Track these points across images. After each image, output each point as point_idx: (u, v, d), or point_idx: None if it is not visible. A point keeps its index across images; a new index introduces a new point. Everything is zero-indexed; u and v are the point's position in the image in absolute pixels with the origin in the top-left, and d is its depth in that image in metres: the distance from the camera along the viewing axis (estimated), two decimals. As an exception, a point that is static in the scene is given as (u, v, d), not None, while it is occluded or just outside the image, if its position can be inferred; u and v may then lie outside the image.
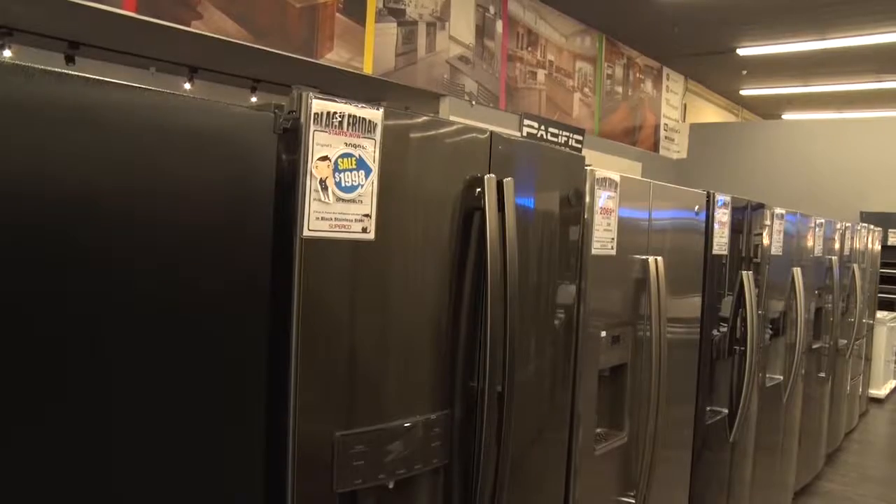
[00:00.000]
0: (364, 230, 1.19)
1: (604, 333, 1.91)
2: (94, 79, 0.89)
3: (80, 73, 0.88)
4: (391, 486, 1.31)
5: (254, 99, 5.27)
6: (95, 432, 0.89)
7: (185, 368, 0.98)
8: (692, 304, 2.49)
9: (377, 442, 1.23)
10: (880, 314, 6.68)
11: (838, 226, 4.56)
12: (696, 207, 2.44)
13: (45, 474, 0.85)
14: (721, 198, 2.60)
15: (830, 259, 4.34)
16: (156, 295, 0.95)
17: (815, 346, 4.19)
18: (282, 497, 1.13)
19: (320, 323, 1.14)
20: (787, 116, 11.29)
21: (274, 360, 1.11)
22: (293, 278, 1.11)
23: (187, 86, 4.97)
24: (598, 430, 2.02)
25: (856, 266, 5.00)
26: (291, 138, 1.13)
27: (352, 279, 1.18)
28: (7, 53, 4.21)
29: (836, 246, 4.53)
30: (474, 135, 1.41)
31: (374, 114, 1.20)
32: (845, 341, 4.87)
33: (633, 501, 2.08)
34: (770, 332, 3.39)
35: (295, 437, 1.12)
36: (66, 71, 0.86)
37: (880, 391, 6.89)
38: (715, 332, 2.71)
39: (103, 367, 0.89)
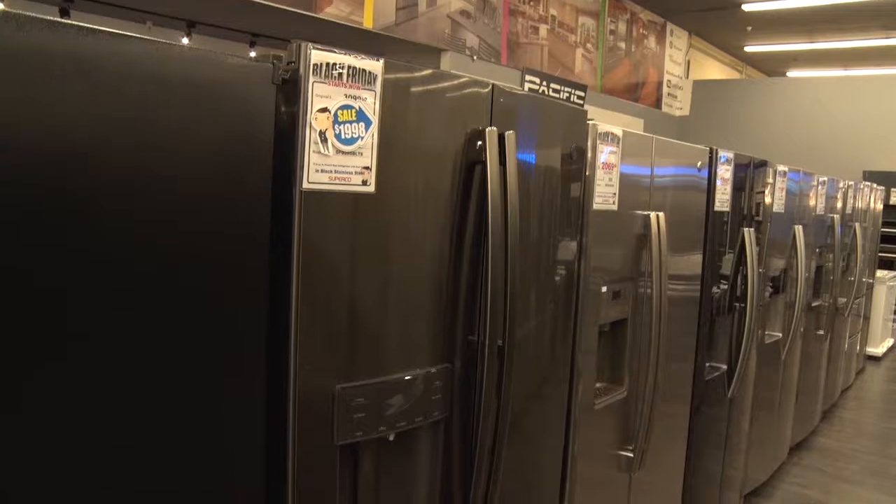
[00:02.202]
0: (364, 183, 1.18)
1: (604, 289, 1.91)
2: (87, 27, 0.87)
3: (73, 22, 0.86)
4: (391, 438, 1.32)
5: (252, 54, 5.20)
6: (96, 387, 0.89)
7: (186, 321, 0.98)
8: (693, 262, 2.48)
9: (377, 395, 1.23)
10: (880, 273, 6.69)
11: (841, 184, 4.54)
12: (699, 164, 2.42)
13: (45, 427, 0.86)
14: (724, 154, 2.58)
15: (832, 217, 4.33)
16: (155, 247, 0.94)
17: (814, 304, 4.21)
18: (283, 450, 1.14)
19: (320, 276, 1.13)
20: (792, 74, 11.16)
21: (274, 313, 1.11)
22: (293, 231, 1.10)
23: (185, 40, 4.90)
24: (598, 385, 2.04)
25: (857, 225, 4.99)
26: (290, 90, 1.11)
27: (352, 232, 1.17)
28: None
29: (839, 205, 4.52)
30: (476, 88, 1.39)
31: (374, 65, 1.18)
32: (844, 300, 4.88)
33: (632, 455, 2.11)
34: (770, 289, 3.40)
35: (295, 390, 1.13)
36: (58, 20, 0.85)
37: (877, 349, 6.93)
38: (715, 289, 2.71)
39: (102, 322, 0.89)
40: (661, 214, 2.08)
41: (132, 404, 0.93)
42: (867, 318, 6.43)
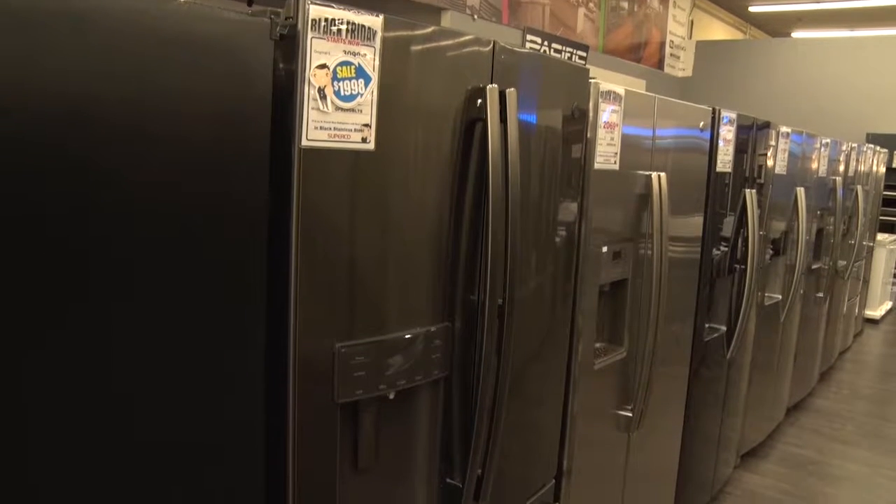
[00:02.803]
0: (364, 140, 1.17)
1: (605, 249, 1.91)
2: (81, -20, 0.85)
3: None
4: (392, 396, 1.33)
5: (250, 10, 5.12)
6: (95, 349, 0.89)
7: (185, 281, 0.98)
8: (694, 224, 2.48)
9: (377, 353, 1.24)
10: (881, 236, 6.69)
11: (844, 147, 4.51)
12: (701, 124, 2.40)
13: (46, 393, 0.86)
14: (727, 115, 2.56)
15: (834, 180, 4.31)
16: (154, 206, 0.93)
17: (814, 267, 4.21)
18: (283, 408, 1.15)
19: (320, 234, 1.13)
20: (797, 34, 11.02)
21: (274, 272, 1.10)
22: (292, 189, 1.09)
23: (181, -1, 4.82)
24: (598, 345, 2.05)
25: (859, 188, 4.97)
26: (288, 46, 1.09)
27: (352, 190, 1.17)
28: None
29: (841, 167, 4.49)
30: (477, 46, 1.37)
31: (374, 21, 1.16)
32: (844, 262, 4.89)
33: (631, 415, 2.13)
34: (770, 251, 3.40)
35: (295, 348, 1.13)
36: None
37: (876, 312, 6.96)
38: (715, 251, 2.71)
39: (101, 284, 0.89)
40: (663, 175, 2.07)
41: (133, 361, 0.94)
42: (866, 282, 6.45)
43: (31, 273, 0.82)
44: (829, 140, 4.10)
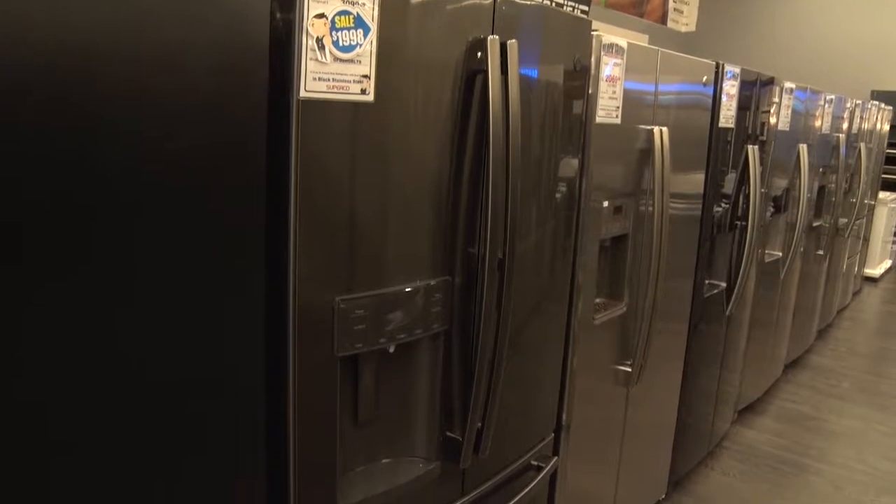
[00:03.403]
0: (363, 91, 1.15)
1: (606, 203, 1.90)
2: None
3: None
4: (392, 350, 1.34)
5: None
6: (95, 306, 0.89)
7: (186, 231, 0.97)
8: (695, 180, 2.46)
9: (377, 307, 1.24)
10: (882, 195, 6.67)
11: (848, 104, 4.47)
12: (705, 79, 2.37)
13: (53, 337, 0.86)
14: (730, 69, 2.53)
15: (837, 137, 4.28)
16: (152, 160, 0.92)
17: (815, 225, 4.20)
18: (283, 362, 1.15)
19: (319, 187, 1.12)
20: (803, -11, 10.82)
21: (273, 225, 1.10)
22: (291, 141, 1.08)
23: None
24: (598, 300, 2.05)
25: (862, 145, 4.94)
26: (285, -6, 1.07)
27: (351, 142, 1.15)
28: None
29: (845, 125, 4.46)
30: (477, -4, 1.35)
31: (372, -32, 1.14)
32: (845, 220, 4.88)
33: (630, 370, 2.14)
34: (772, 209, 3.39)
35: (295, 302, 1.13)
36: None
37: (875, 270, 6.98)
38: (716, 208, 2.70)
39: (99, 240, 0.88)
40: (665, 129, 2.05)
41: (135, 307, 0.93)
42: (867, 240, 6.45)
43: (35, 223, 0.82)
44: (833, 96, 4.06)
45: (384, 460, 1.44)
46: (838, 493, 3.05)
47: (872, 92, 7.61)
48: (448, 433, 1.47)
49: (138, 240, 0.92)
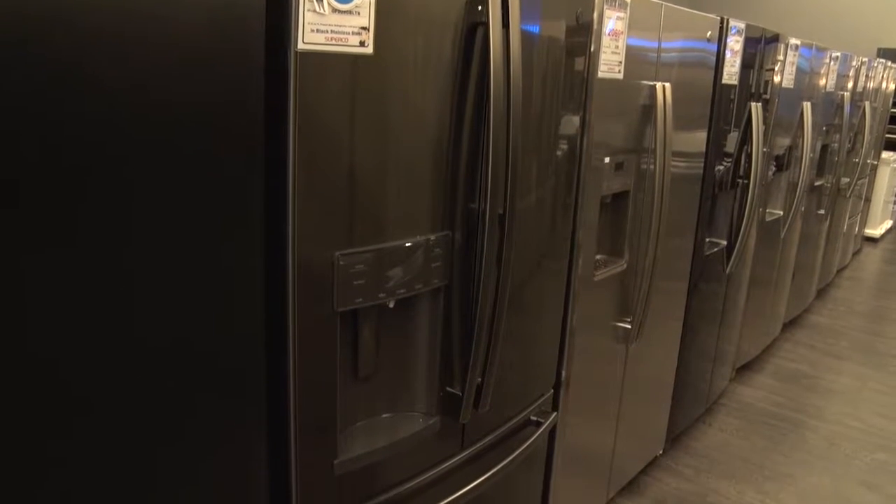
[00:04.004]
0: (362, 44, 1.13)
1: (607, 160, 1.89)
2: None
3: None
4: (392, 305, 1.34)
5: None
6: (94, 254, 0.89)
7: (182, 189, 0.96)
8: (697, 139, 2.44)
9: (377, 261, 1.24)
10: (885, 154, 6.63)
11: (854, 61, 4.41)
12: (709, 34, 2.34)
13: (51, 295, 0.86)
14: (735, 25, 2.49)
15: (842, 95, 4.24)
16: (149, 115, 0.91)
17: (817, 184, 4.19)
18: (283, 317, 1.15)
19: (317, 141, 1.11)
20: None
21: (271, 179, 1.09)
22: (288, 95, 1.07)
23: None
24: (598, 257, 2.05)
25: (867, 104, 4.90)
26: (282, -56, 1.05)
27: (350, 96, 1.14)
28: None
29: (850, 83, 4.41)
30: (478, -55, 1.32)
31: (371, -84, 1.11)
32: (847, 180, 4.86)
33: (630, 327, 2.15)
34: (773, 168, 3.37)
35: (294, 257, 1.12)
36: None
37: (876, 231, 6.97)
38: (718, 166, 2.68)
39: (99, 191, 0.87)
40: (668, 85, 2.03)
41: (136, 265, 0.93)
42: (868, 200, 6.43)
43: (26, 182, 0.81)
44: (839, 54, 4.01)
45: (384, 415, 1.45)
46: (833, 449, 3.09)
47: (879, 49, 7.52)
48: (448, 388, 1.48)
49: (137, 195, 0.91)
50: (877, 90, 5.36)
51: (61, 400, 0.88)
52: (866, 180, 5.90)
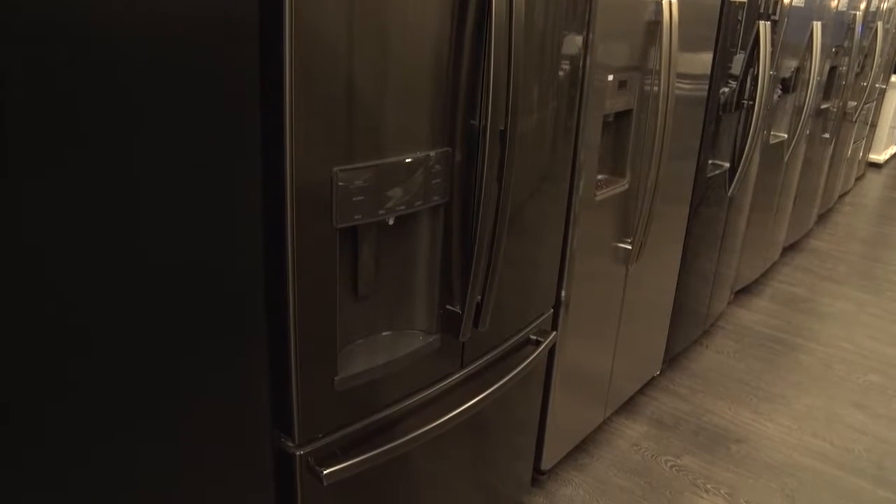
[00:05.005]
0: (358, -52, 1.08)
1: (610, 77, 1.84)
2: None
3: None
4: (391, 222, 1.33)
5: None
6: (99, 186, 0.87)
7: (178, 106, 0.94)
8: (702, 60, 2.38)
9: (376, 178, 1.22)
10: (895, 78, 6.50)
11: (867, -21, 4.28)
12: (720, -53, 2.26)
13: (56, 218, 0.84)
14: (747, -63, 2.40)
15: (854, 15, 4.13)
16: (147, 36, 0.87)
17: (823, 107, 4.12)
18: (281, 234, 1.14)
19: (315, 53, 1.07)
20: None
21: (268, 94, 1.06)
22: (283, 8, 1.02)
23: None
24: (600, 177, 2.03)
25: (879, 24, 4.77)
26: None
27: (348, 7, 1.09)
28: None
29: (863, 3, 4.28)
30: None
31: None
32: (855, 104, 4.78)
33: (630, 247, 2.15)
34: (779, 90, 3.31)
35: (292, 172, 1.10)
36: None
37: (880, 156, 6.91)
38: (724, 88, 2.63)
39: (95, 110, 0.85)
40: (674, 0, 1.97)
41: (133, 183, 0.91)
42: (874, 125, 6.35)
43: (28, 110, 0.78)
44: (852, -30, 3.88)
45: (384, 333, 1.46)
46: (827, 371, 3.13)
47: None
48: (448, 306, 1.49)
49: (134, 113, 0.89)
50: (891, 10, 5.22)
51: (70, 319, 0.88)
52: (873, 104, 5.81)
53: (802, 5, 3.21)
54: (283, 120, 1.08)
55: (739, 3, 2.52)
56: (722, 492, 2.32)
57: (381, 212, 1.25)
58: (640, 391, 2.84)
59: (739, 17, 2.58)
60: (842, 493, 2.35)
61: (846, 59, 4.23)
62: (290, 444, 1.28)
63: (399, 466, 1.53)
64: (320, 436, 1.31)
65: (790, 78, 3.37)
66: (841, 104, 4.32)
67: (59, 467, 0.93)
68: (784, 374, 3.09)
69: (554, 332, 1.93)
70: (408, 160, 1.26)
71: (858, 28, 4.18)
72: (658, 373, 2.89)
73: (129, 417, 0.99)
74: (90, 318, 0.91)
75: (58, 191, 0.83)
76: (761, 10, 2.74)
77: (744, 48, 2.69)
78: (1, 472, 0.87)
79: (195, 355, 1.05)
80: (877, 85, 5.42)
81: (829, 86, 4.17)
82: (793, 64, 3.35)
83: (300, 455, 1.28)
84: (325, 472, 1.29)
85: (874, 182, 6.45)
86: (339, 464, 1.31)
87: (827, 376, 3.09)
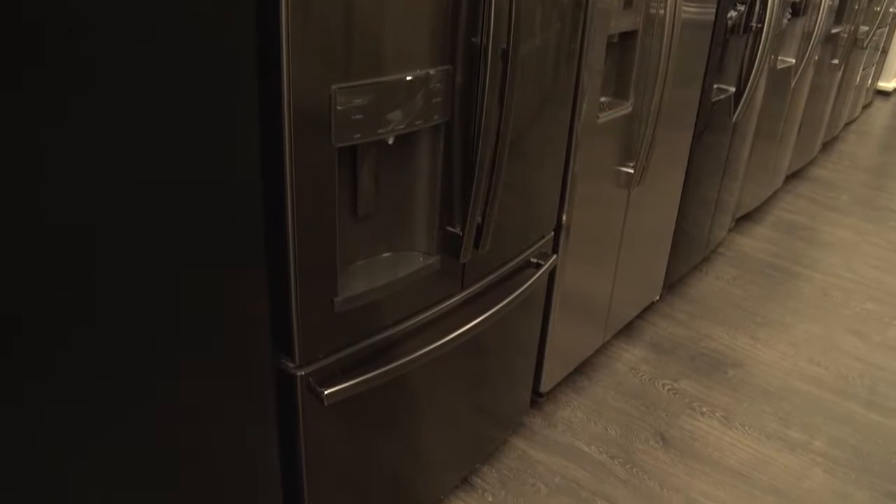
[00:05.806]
0: None
1: (617, -5, 1.79)
2: None
3: None
4: (391, 142, 1.31)
5: None
6: (96, 146, 0.85)
7: (173, 18, 0.91)
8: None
9: (376, 96, 1.19)
10: (908, 2, 6.33)
11: None
12: None
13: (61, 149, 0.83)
14: None
15: (868, -66, 3.99)
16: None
17: (833, 32, 4.02)
18: (280, 153, 1.12)
19: (311, -38, 1.04)
20: None
21: (265, 8, 1.03)
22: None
23: None
24: (603, 99, 2.00)
25: (894, -56, 4.62)
26: None
27: (343, -90, 1.06)
28: None
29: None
30: None
31: None
32: (867, 28, 4.66)
33: (632, 171, 2.13)
34: (789, 14, 3.22)
35: (289, 89, 1.08)
36: None
37: (889, 84, 6.79)
38: (732, 12, 2.56)
39: (100, 36, 0.82)
40: (686, -85, 1.90)
41: (134, 102, 0.90)
42: (885, 52, 6.22)
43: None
44: None
45: (384, 254, 1.46)
46: (825, 299, 3.15)
47: None
48: (448, 228, 1.48)
49: (135, 25, 0.86)
50: (906, -69, 5.04)
51: (73, 243, 0.87)
52: (886, 30, 5.67)
53: (817, -77, 3.10)
54: (280, 36, 1.05)
55: (752, -81, 2.43)
56: (717, 414, 2.36)
57: (380, 131, 1.23)
58: (640, 316, 2.86)
59: (751, -65, 2.49)
60: (834, 417, 2.40)
61: (860, -20, 4.10)
62: (291, 364, 1.29)
63: (399, 388, 1.55)
64: (321, 357, 1.33)
65: (801, 1, 3.28)
66: (852, 29, 4.22)
67: (57, 400, 0.94)
68: (783, 300, 3.11)
69: (554, 256, 1.93)
70: (408, 78, 1.24)
71: (873, -52, 4.04)
72: (657, 298, 2.91)
73: (128, 343, 0.99)
74: (89, 236, 0.90)
75: (55, 103, 0.82)
76: (774, -72, 2.65)
77: (754, -31, 2.62)
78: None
79: (196, 276, 1.05)
80: (891, 10, 5.28)
81: (841, 9, 4.06)
82: (804, -15, 3.25)
83: (301, 376, 1.29)
84: (325, 392, 1.30)
85: (881, 111, 6.36)
86: (339, 384, 1.33)
87: (825, 304, 3.12)
